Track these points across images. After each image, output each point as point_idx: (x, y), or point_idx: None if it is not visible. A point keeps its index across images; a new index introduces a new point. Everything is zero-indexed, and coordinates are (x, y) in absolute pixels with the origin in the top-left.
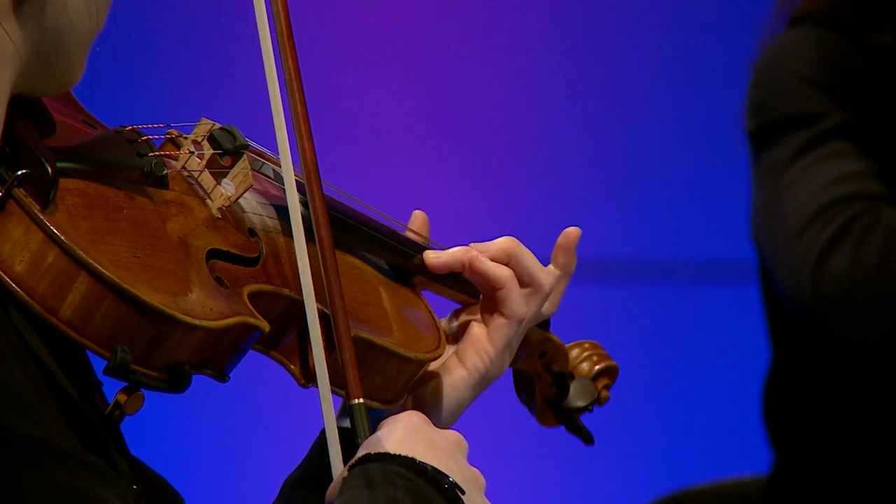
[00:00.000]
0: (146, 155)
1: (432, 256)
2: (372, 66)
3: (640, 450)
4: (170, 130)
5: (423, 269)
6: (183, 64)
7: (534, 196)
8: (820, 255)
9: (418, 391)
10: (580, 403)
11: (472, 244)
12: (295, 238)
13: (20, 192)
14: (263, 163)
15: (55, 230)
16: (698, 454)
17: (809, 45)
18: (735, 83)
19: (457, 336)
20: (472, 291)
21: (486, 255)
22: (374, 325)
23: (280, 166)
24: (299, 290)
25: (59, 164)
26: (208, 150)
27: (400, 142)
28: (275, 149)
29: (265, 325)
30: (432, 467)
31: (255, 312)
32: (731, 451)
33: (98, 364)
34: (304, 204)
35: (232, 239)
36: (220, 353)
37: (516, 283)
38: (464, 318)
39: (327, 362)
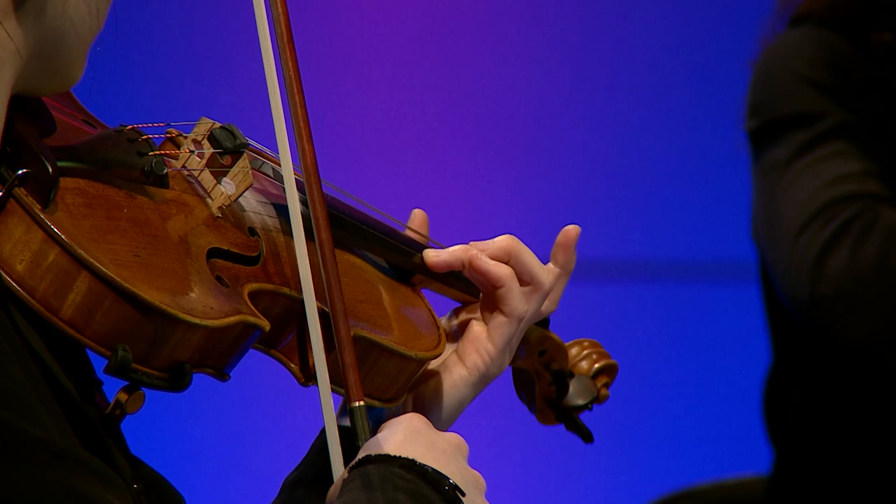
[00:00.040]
0: (146, 154)
1: (432, 255)
2: (371, 64)
3: (640, 449)
4: (169, 130)
5: (423, 267)
6: (183, 63)
7: (533, 195)
8: (818, 255)
9: (418, 390)
10: (580, 402)
11: (471, 242)
12: (295, 237)
13: (21, 192)
14: (263, 161)
15: (56, 229)
16: (698, 454)
17: (810, 44)
18: (735, 83)
19: (457, 335)
20: (472, 290)
21: (486, 254)
22: (374, 324)
23: (280, 165)
24: (299, 289)
25: (59, 164)
26: (208, 149)
27: (399, 141)
28: (274, 147)
29: (266, 324)
30: (433, 469)
31: (256, 311)
32: (731, 451)
33: (98, 363)
34: (304, 203)
35: (232, 238)
36: (220, 352)
37: (516, 281)
38: (464, 316)
39: (327, 361)
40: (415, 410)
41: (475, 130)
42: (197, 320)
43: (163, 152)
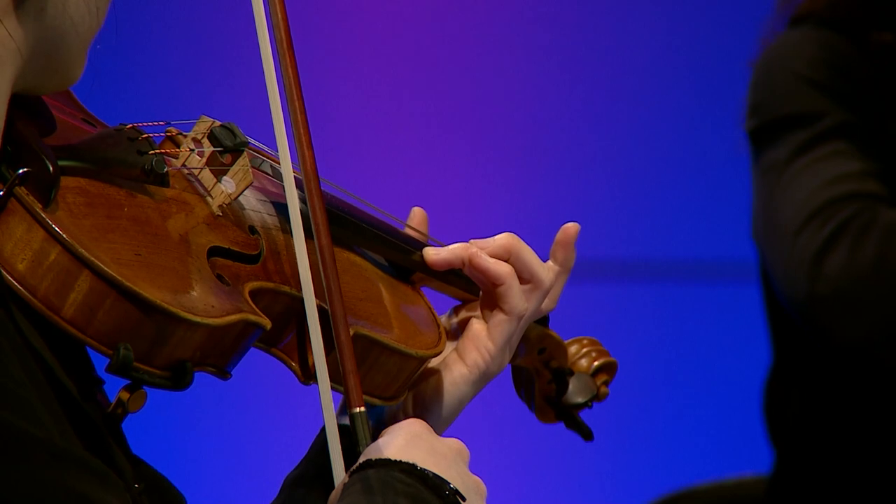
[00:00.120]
0: (147, 153)
1: (432, 253)
2: (371, 63)
3: (640, 449)
4: (169, 128)
5: (423, 265)
6: (183, 63)
7: (533, 194)
8: (816, 255)
9: (419, 388)
10: (579, 399)
11: (471, 240)
12: (294, 236)
13: (22, 191)
14: (263, 160)
15: (57, 228)
16: (698, 454)
17: (810, 44)
18: (735, 83)
19: (457, 333)
20: (472, 288)
21: (486, 252)
22: (374, 322)
23: (280, 164)
24: (300, 288)
25: (60, 163)
26: (208, 148)
27: (399, 139)
28: (274, 146)
29: (267, 323)
30: (433, 474)
31: (257, 310)
32: (731, 451)
33: (99, 362)
34: (304, 201)
35: (233, 236)
36: (222, 351)
37: (516, 279)
38: (463, 314)
39: (328, 360)
40: (415, 409)
41: (475, 129)
42: (198, 319)
43: (163, 151)
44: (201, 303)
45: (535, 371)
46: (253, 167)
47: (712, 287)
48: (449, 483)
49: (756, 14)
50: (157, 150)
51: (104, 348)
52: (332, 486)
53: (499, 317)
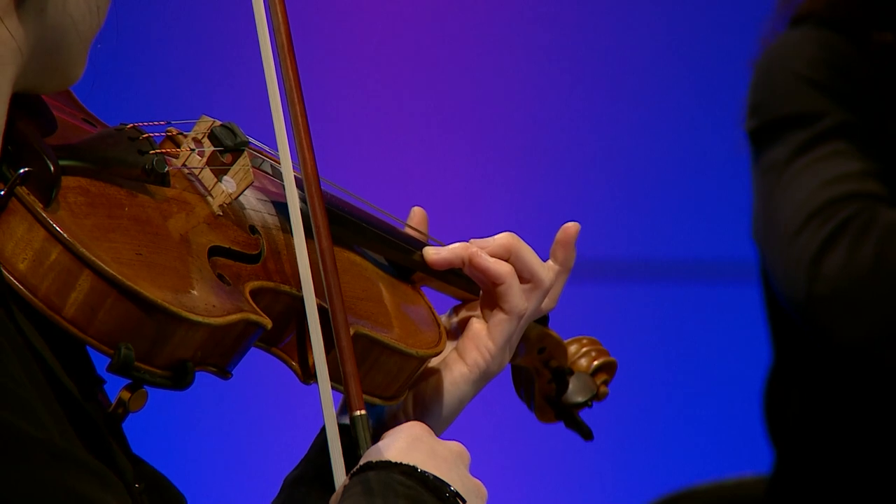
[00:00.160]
0: (147, 152)
1: (432, 252)
2: (371, 62)
3: (640, 449)
4: (170, 128)
5: (423, 265)
6: (183, 63)
7: (534, 194)
8: (815, 255)
9: (419, 388)
10: (579, 399)
11: (471, 240)
12: (294, 235)
13: (23, 191)
14: (263, 160)
15: (58, 228)
16: (698, 454)
17: (810, 44)
18: (736, 83)
19: (457, 332)
20: (472, 288)
21: (486, 251)
22: (374, 322)
23: (280, 163)
24: (300, 287)
25: (61, 163)
26: (209, 148)
27: (399, 138)
28: (274, 145)
29: (267, 322)
30: (434, 476)
31: (258, 309)
32: (731, 451)
33: (100, 361)
34: (304, 200)
35: (233, 236)
36: (222, 350)
37: (516, 278)
38: (463, 314)
39: (328, 360)
40: (415, 408)
41: (475, 129)
42: (199, 318)
43: (163, 151)
44: (202, 302)
45: (535, 370)
46: (253, 167)
47: (712, 287)
48: (449, 486)
49: (756, 14)
50: (158, 150)
51: (105, 348)
52: (332, 486)
53: (499, 316)
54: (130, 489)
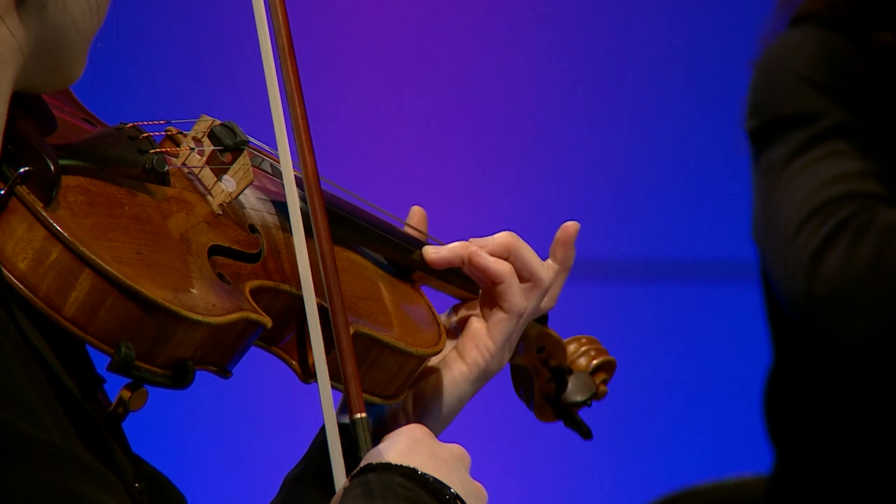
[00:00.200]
0: (147, 152)
1: (431, 252)
2: (371, 63)
3: (639, 449)
4: (170, 127)
5: (423, 264)
6: (183, 63)
7: (533, 194)
8: (814, 254)
9: (418, 386)
10: (578, 398)
11: (471, 239)
12: (294, 235)
13: (23, 190)
14: (263, 159)
15: (58, 227)
16: (698, 454)
17: (810, 44)
18: (736, 83)
19: (456, 331)
20: (472, 287)
21: (486, 250)
22: (374, 321)
23: (280, 162)
24: (300, 286)
25: (61, 162)
26: (209, 147)
27: (399, 138)
28: (274, 144)
29: (268, 321)
30: (434, 478)
31: (258, 308)
32: (731, 451)
33: (100, 360)
34: (304, 199)
35: (233, 235)
36: (223, 349)
37: (516, 277)
38: (463, 313)
39: (328, 359)
40: (415, 407)
41: (475, 129)
42: (199, 317)
43: (163, 150)
44: (202, 301)
45: (534, 370)
46: (253, 166)
47: (712, 287)
48: (449, 488)
49: (756, 14)
50: (158, 149)
51: (105, 347)
52: (332, 485)
53: (498, 315)
54: (130, 489)
